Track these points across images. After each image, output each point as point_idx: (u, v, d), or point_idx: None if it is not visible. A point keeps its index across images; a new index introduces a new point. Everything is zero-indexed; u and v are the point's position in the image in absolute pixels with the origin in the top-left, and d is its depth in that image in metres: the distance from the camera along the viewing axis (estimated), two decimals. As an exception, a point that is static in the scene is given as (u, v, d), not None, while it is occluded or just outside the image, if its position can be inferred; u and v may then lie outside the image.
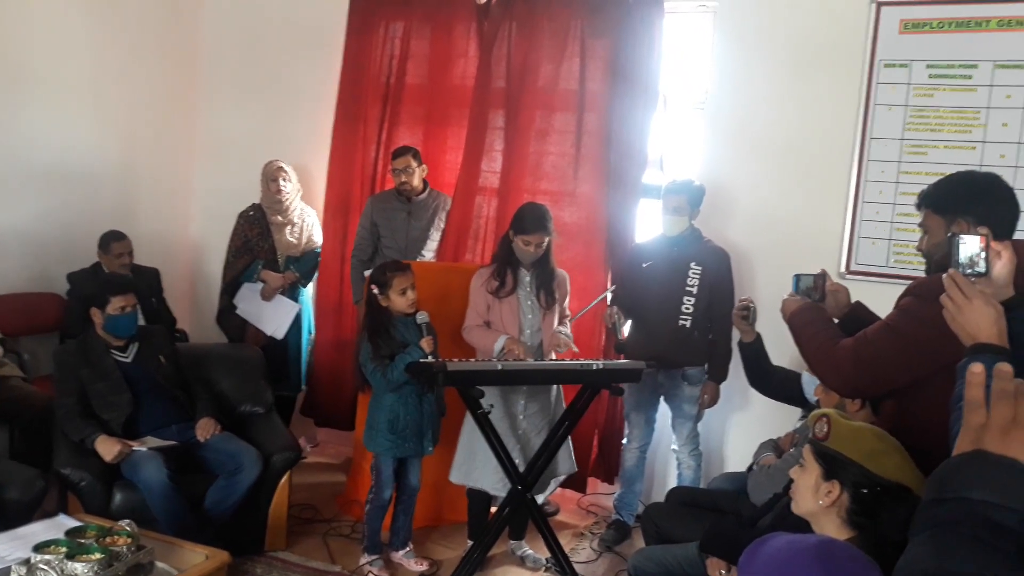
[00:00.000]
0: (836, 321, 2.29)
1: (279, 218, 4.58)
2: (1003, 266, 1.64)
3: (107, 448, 3.21)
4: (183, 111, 5.20)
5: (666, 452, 4.18)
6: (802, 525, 1.82)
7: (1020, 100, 3.55)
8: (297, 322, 4.62)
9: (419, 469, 3.51)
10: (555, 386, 3.62)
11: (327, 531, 3.84)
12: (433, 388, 3.34)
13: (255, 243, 4.53)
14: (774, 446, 3.12)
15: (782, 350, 3.19)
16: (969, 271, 1.59)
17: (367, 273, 3.95)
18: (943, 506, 1.03)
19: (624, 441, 4.03)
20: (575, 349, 3.56)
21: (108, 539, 2.50)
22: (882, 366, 1.94)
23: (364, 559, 3.50)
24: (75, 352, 3.42)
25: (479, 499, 3.60)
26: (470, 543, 3.57)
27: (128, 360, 3.48)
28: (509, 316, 3.51)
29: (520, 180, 4.35)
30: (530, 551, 3.70)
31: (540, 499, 3.66)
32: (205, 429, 3.44)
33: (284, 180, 4.56)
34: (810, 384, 3.00)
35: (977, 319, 1.48)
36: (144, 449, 3.26)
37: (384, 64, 4.64)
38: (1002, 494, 0.99)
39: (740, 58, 4.04)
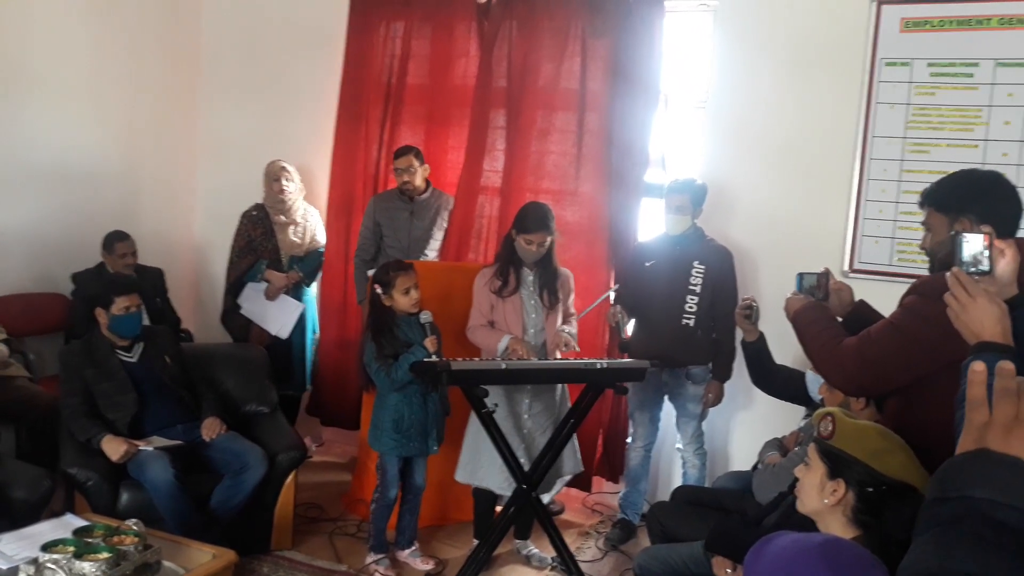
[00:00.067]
0: (840, 320, 2.29)
1: (282, 218, 4.58)
2: (1007, 264, 1.64)
3: (113, 448, 3.22)
4: (184, 111, 5.20)
5: (671, 451, 4.19)
6: (807, 524, 1.82)
7: (1022, 98, 3.54)
8: (301, 322, 4.62)
9: (424, 468, 3.51)
10: (560, 385, 3.62)
11: (333, 530, 3.85)
12: (437, 387, 3.35)
13: (259, 243, 4.53)
14: (779, 445, 3.12)
15: (785, 349, 3.20)
16: (973, 269, 1.58)
17: (370, 273, 3.95)
18: (946, 505, 1.03)
19: (628, 440, 4.03)
20: (577, 349, 3.56)
21: (115, 538, 2.52)
22: (886, 364, 1.94)
23: (370, 558, 3.51)
24: (80, 352, 3.43)
25: (484, 498, 3.61)
26: (475, 542, 3.58)
27: (133, 360, 3.49)
28: (512, 316, 3.51)
29: (522, 179, 4.36)
30: (535, 550, 3.70)
31: (546, 499, 3.66)
32: (210, 429, 3.46)
33: (287, 180, 4.57)
34: (814, 383, 3.00)
35: (981, 317, 1.47)
36: (150, 449, 3.27)
37: (385, 64, 4.64)
38: (1005, 492, 0.99)
39: (741, 57, 4.04)
